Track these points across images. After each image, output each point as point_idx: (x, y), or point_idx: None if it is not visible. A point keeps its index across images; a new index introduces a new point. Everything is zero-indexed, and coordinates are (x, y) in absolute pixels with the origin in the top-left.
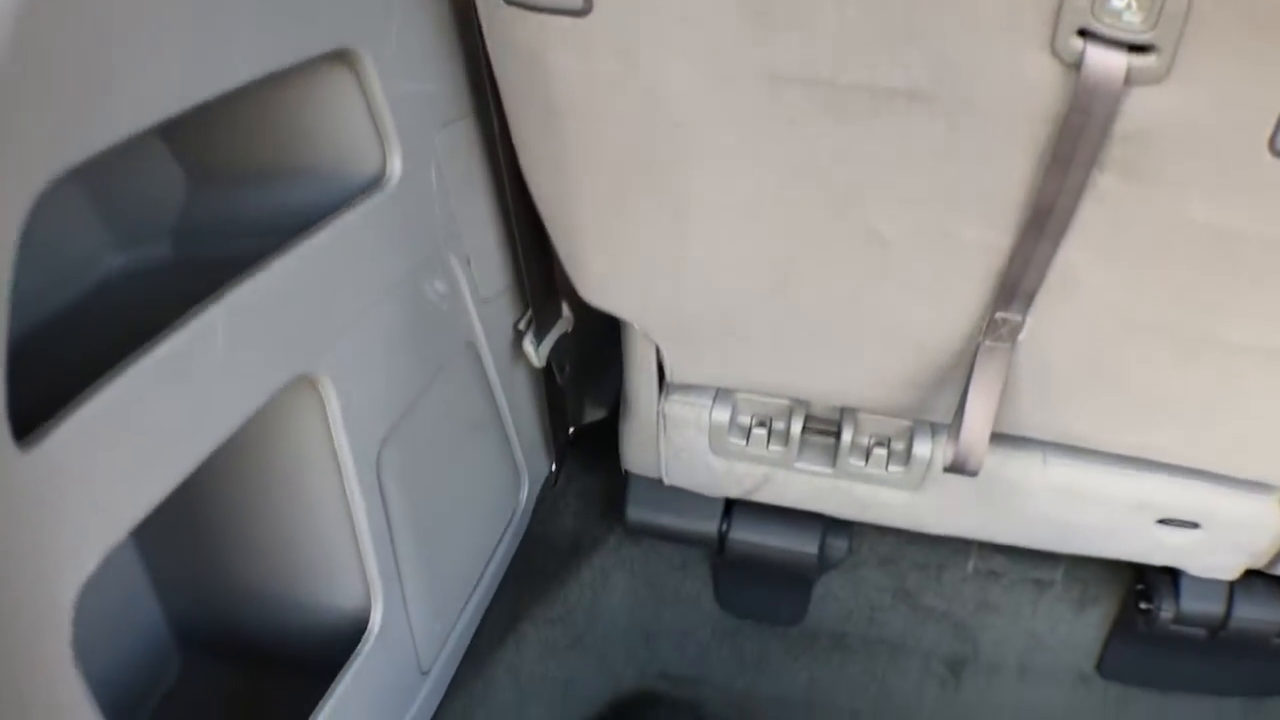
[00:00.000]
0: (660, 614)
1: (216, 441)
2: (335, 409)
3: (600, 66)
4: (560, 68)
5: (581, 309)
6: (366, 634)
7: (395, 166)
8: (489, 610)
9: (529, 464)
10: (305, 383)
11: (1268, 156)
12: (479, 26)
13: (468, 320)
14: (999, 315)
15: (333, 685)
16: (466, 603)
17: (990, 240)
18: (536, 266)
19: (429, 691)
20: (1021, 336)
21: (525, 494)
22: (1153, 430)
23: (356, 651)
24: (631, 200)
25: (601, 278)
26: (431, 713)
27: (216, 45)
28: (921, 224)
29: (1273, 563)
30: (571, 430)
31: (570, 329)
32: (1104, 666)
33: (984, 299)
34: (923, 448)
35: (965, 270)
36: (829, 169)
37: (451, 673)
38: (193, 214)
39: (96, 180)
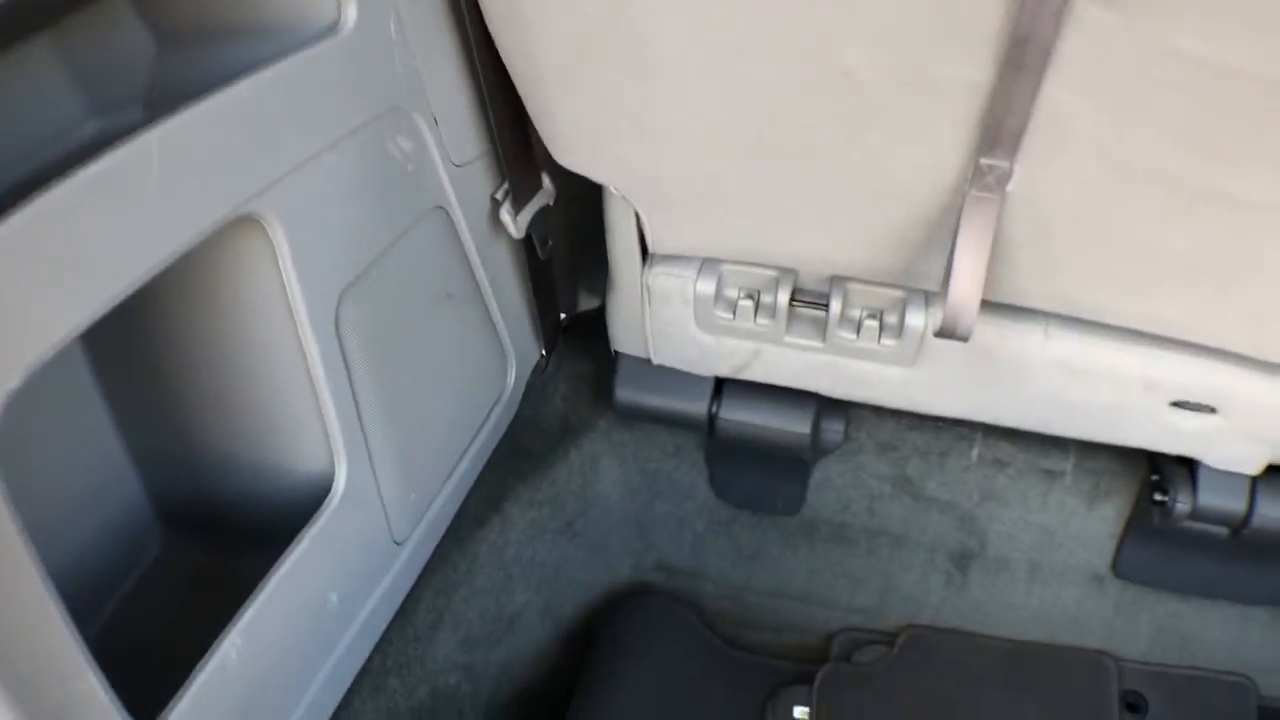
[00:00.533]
0: (654, 503)
1: (150, 268)
2: (285, 253)
3: None
4: None
5: (567, 185)
6: (330, 496)
7: (350, 13)
8: (473, 490)
9: (516, 346)
10: (254, 225)
11: None
12: None
13: (438, 183)
14: (984, 161)
15: (291, 546)
16: (447, 478)
17: (968, 76)
18: (511, 134)
19: (404, 563)
20: (1010, 187)
21: (513, 376)
22: (1162, 298)
23: (319, 513)
24: (596, 49)
25: (571, 136)
26: (409, 586)
27: None
28: (896, 61)
29: None
30: (565, 316)
31: (551, 201)
32: (1119, 565)
33: (967, 143)
34: (915, 318)
35: (945, 111)
36: (796, 5)
37: (431, 548)
38: (163, 77)
39: (67, 46)
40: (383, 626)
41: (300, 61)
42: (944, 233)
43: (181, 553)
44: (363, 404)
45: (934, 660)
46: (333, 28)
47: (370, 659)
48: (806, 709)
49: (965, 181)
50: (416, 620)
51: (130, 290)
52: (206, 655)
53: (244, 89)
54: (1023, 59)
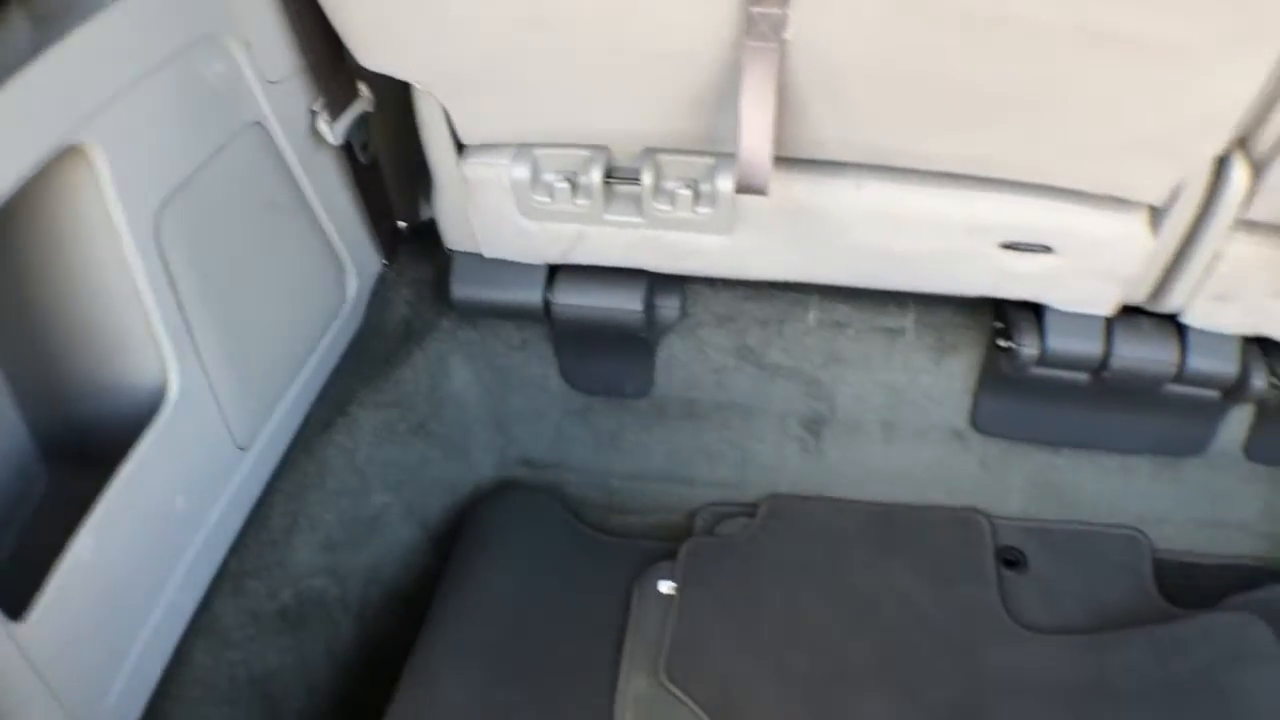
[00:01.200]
0: (509, 398)
1: None
2: (105, 176)
3: None
4: None
5: (394, 95)
6: (164, 404)
7: None
8: (319, 397)
9: (354, 256)
10: (76, 154)
11: None
12: None
13: (253, 101)
14: (755, 10)
15: (130, 451)
16: (289, 385)
17: None
18: (323, 46)
19: (251, 468)
20: (788, 34)
21: (354, 287)
22: (969, 136)
23: (154, 418)
24: None
25: (370, 36)
26: (258, 491)
27: None
28: None
29: (1156, 297)
30: (404, 225)
31: (370, 108)
32: (978, 420)
33: None
34: (725, 183)
35: None
36: None
37: (278, 453)
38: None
39: None
40: (235, 530)
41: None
42: (734, 90)
43: (63, 484)
44: (190, 313)
45: (797, 526)
46: None
47: (227, 562)
48: (672, 583)
49: (742, 33)
50: (271, 524)
51: None
52: (61, 554)
53: (56, 27)
54: None
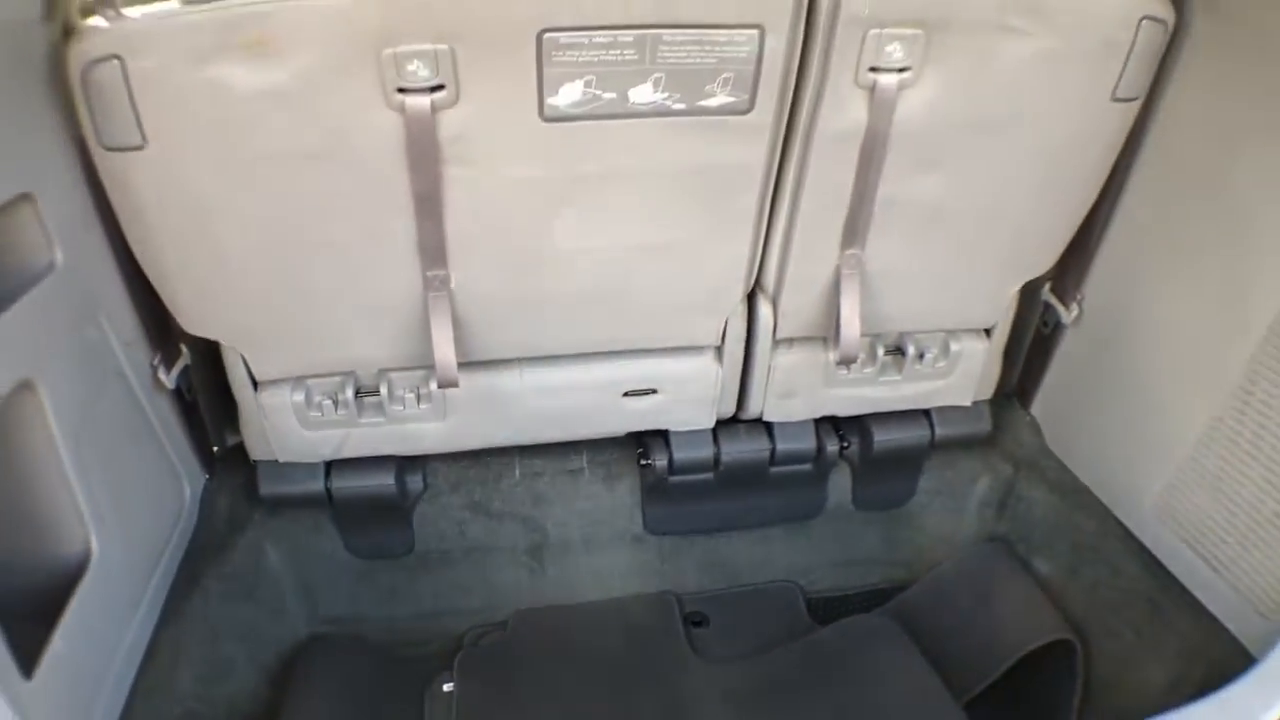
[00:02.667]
0: (311, 570)
1: None
2: (49, 410)
3: (151, 178)
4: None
5: (200, 353)
6: (91, 565)
7: (59, 257)
8: (180, 567)
9: (186, 470)
10: (28, 388)
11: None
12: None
13: (116, 359)
14: (430, 273)
15: (70, 597)
16: (160, 559)
17: (405, 225)
18: (156, 322)
19: (143, 616)
20: (453, 285)
21: (189, 492)
22: (587, 326)
23: (84, 575)
24: (193, 264)
25: (190, 311)
26: (149, 635)
27: None
28: (363, 225)
29: (741, 407)
30: (217, 448)
31: (190, 363)
32: (648, 524)
33: (414, 265)
34: (434, 386)
35: (392, 248)
36: (306, 215)
37: (159, 607)
38: None
39: None
40: (137, 661)
41: (25, 301)
42: (428, 324)
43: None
44: (101, 503)
45: (538, 631)
46: (48, 268)
47: (137, 680)
48: (450, 684)
49: (425, 287)
50: (161, 661)
51: None
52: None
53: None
54: (428, 208)
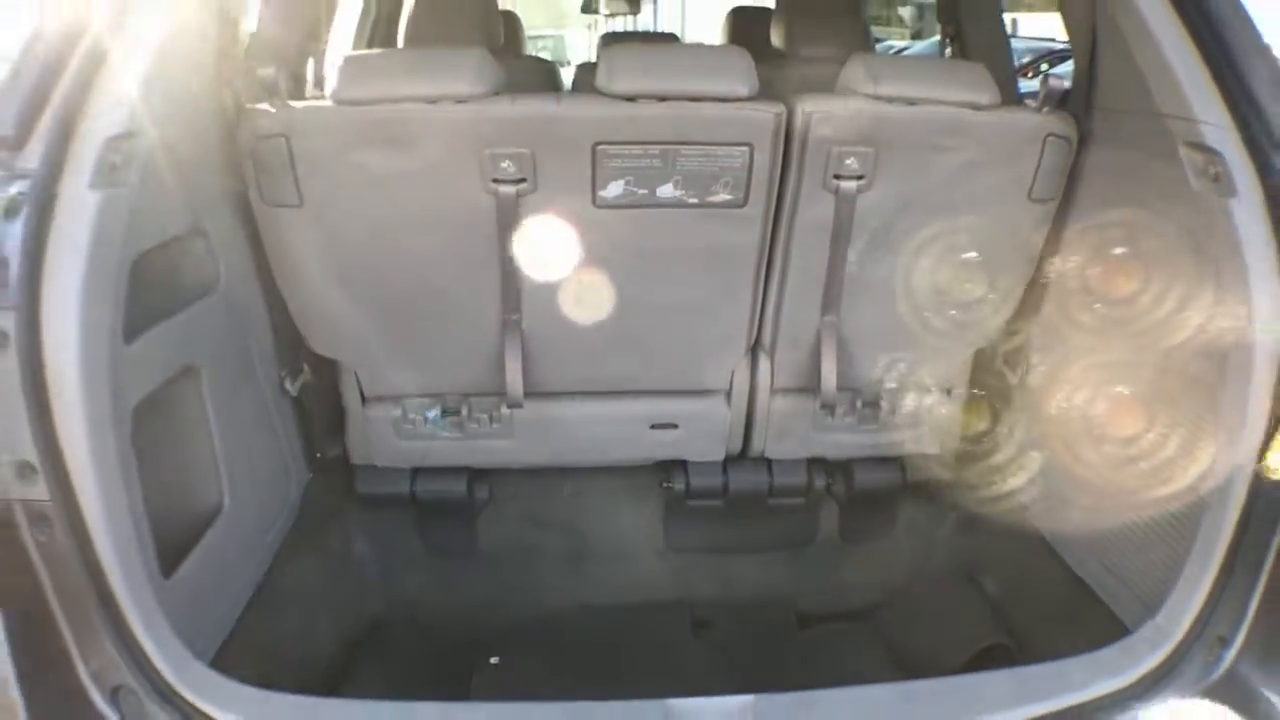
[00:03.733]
0: (390, 558)
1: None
2: (205, 391)
3: (302, 231)
4: (290, 229)
5: (318, 372)
6: (221, 515)
7: (221, 281)
8: (285, 541)
9: (295, 467)
10: (193, 371)
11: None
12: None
13: (254, 365)
14: (507, 317)
15: (204, 534)
16: (270, 528)
17: (493, 278)
18: (287, 342)
19: (254, 567)
20: (524, 326)
21: (295, 485)
22: (614, 368)
23: (216, 521)
24: (327, 302)
25: (318, 335)
26: (256, 582)
27: None
28: (463, 280)
29: (747, 444)
30: (320, 455)
31: (309, 379)
32: (669, 541)
33: (496, 310)
34: (506, 410)
35: (480, 296)
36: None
37: (267, 565)
38: None
39: None
40: (245, 600)
41: (196, 307)
42: (500, 353)
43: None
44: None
45: (574, 625)
46: (213, 287)
47: (239, 618)
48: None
49: (503, 329)
50: (262, 606)
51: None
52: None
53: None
54: (509, 267)
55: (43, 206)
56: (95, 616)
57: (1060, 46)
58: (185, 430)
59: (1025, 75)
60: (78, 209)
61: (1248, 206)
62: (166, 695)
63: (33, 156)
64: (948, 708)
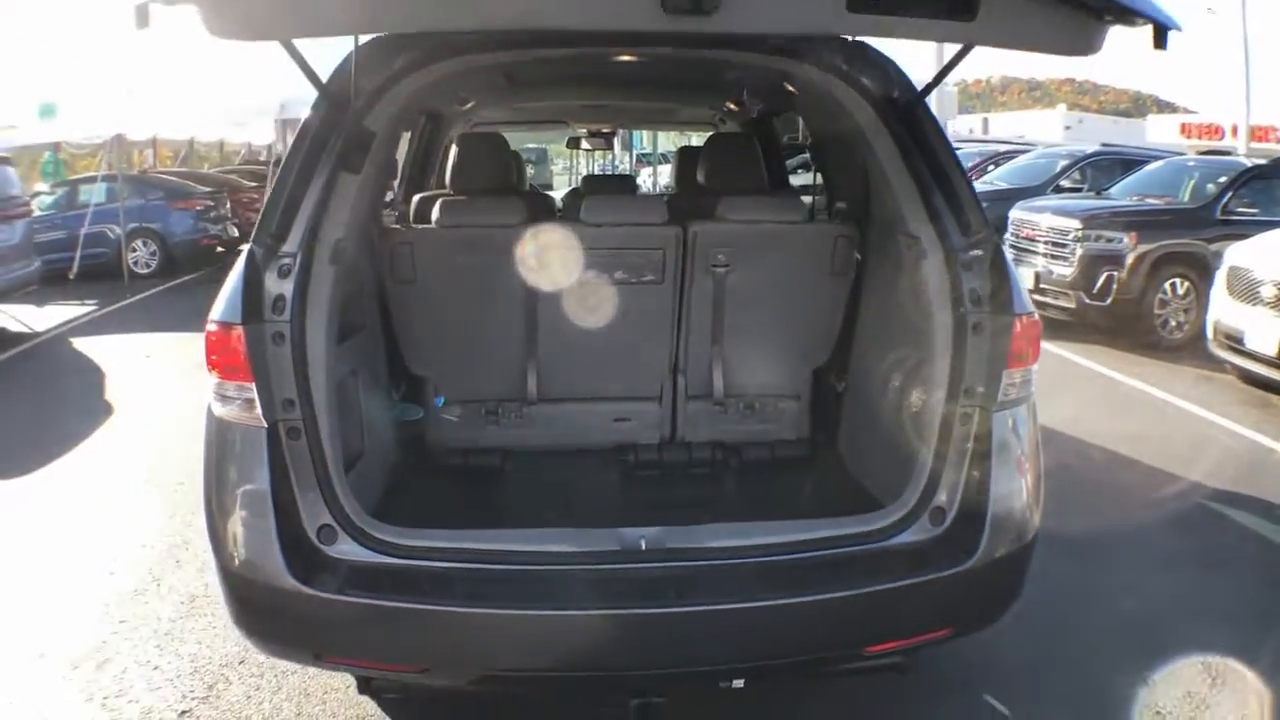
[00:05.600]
0: (445, 505)
1: None
2: (360, 387)
3: (414, 297)
4: (407, 297)
5: (412, 381)
6: (360, 460)
7: (367, 324)
8: (395, 465)
9: (398, 434)
10: (356, 373)
11: None
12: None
13: (381, 376)
14: (529, 349)
15: (359, 459)
16: (388, 459)
17: (519, 322)
18: (395, 364)
19: (388, 471)
20: (539, 355)
21: (397, 440)
22: (594, 382)
23: (358, 462)
24: (426, 340)
25: (415, 363)
26: (377, 498)
27: None
28: (504, 322)
29: (672, 434)
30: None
31: (405, 389)
32: (626, 500)
33: (523, 341)
34: (526, 409)
35: (512, 332)
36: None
37: (379, 495)
38: None
39: None
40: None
41: (356, 338)
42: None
43: None
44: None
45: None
46: (364, 326)
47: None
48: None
49: (525, 357)
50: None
51: None
52: None
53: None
54: (530, 315)
55: (304, 270)
56: (315, 486)
57: (1005, 149)
58: (351, 402)
59: (976, 177)
60: (322, 274)
61: (934, 263)
62: (348, 527)
63: (292, 243)
64: (788, 530)
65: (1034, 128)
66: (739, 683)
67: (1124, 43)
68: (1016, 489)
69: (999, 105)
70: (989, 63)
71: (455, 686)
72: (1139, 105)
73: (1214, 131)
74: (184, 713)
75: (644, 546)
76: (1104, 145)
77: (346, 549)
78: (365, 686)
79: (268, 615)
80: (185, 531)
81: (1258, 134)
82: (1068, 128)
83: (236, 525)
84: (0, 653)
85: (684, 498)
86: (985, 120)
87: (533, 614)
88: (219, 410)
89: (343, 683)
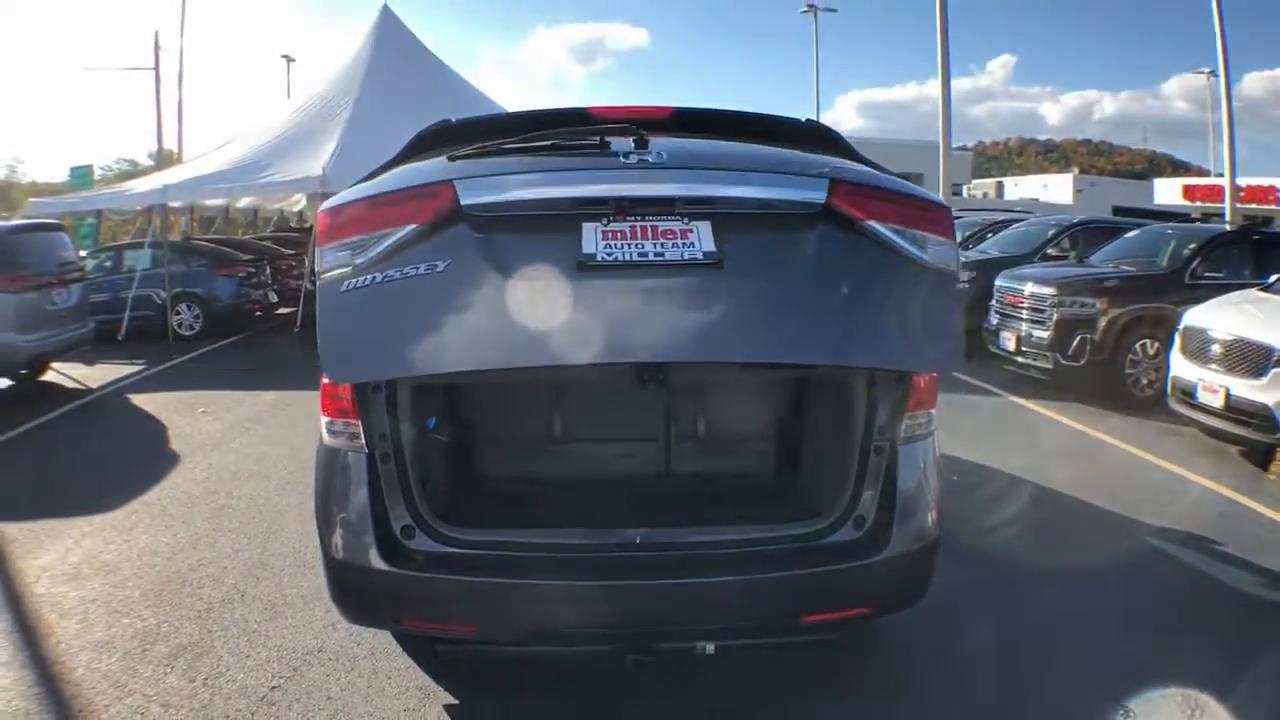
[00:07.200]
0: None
1: None
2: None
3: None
4: None
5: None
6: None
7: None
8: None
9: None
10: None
11: None
12: None
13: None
14: (556, 400)
15: (427, 481)
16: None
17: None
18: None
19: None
20: (562, 404)
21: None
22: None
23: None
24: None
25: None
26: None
27: None
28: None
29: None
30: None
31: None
32: (638, 519)
33: (553, 396)
34: (552, 447)
35: (546, 391)
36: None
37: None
38: None
39: None
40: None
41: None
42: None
43: None
44: None
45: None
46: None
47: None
48: None
49: (553, 404)
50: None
51: None
52: None
53: None
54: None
55: None
56: (400, 498)
57: (1002, 217)
58: (425, 437)
59: (970, 246)
60: None
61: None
62: (424, 526)
63: None
64: (748, 530)
65: (1047, 190)
66: (710, 648)
67: (1138, 108)
68: (920, 503)
69: (1015, 168)
70: (1006, 126)
71: (498, 643)
72: (1154, 166)
73: (1217, 193)
74: (274, 688)
75: (638, 541)
76: (1115, 208)
77: (422, 542)
78: (430, 647)
79: (361, 592)
80: (262, 555)
81: (1259, 194)
82: (1079, 190)
83: (342, 525)
84: (109, 646)
85: (671, 510)
86: (1000, 184)
87: (558, 584)
88: (329, 441)
89: (405, 665)
